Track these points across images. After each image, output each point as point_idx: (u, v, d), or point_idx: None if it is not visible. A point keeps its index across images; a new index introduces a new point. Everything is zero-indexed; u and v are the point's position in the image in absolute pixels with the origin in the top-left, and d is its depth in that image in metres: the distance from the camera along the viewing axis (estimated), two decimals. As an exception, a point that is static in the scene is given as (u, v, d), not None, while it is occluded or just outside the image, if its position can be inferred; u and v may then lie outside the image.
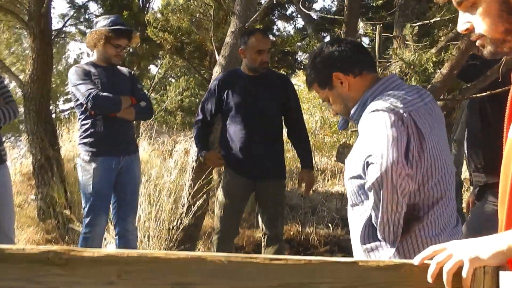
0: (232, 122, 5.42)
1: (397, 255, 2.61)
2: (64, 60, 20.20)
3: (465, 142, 4.80)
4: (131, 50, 12.36)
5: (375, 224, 2.59)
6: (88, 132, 5.29)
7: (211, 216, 8.71)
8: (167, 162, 8.64)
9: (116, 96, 5.19)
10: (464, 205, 6.01)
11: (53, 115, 14.41)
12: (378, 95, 2.77)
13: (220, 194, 5.59)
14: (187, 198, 6.66)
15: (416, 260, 1.83)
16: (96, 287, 1.66)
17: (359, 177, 2.66)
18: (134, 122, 12.51)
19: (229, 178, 5.53)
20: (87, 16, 11.27)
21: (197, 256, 1.69)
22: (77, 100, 5.31)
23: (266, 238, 5.56)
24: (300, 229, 8.14)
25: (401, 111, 2.61)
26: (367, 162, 2.51)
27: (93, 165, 5.24)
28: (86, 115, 5.33)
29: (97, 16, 10.53)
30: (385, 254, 2.62)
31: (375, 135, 2.54)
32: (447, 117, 11.78)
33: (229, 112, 5.43)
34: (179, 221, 6.79)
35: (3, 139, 5.40)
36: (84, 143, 5.30)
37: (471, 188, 5.04)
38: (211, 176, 6.84)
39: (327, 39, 7.57)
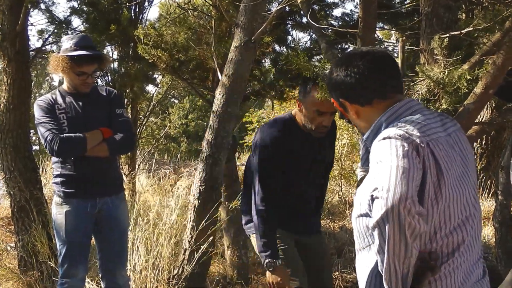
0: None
1: None
2: (47, 83, 20.29)
3: (511, 172, 4.70)
4: (119, 71, 12.42)
5: (381, 272, 2.54)
6: (58, 172, 5.29)
7: (219, 261, 8.70)
8: (167, 200, 8.60)
9: (78, 136, 5.10)
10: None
11: (35, 148, 14.46)
12: (394, 121, 2.78)
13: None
14: (189, 242, 6.61)
15: None
16: None
17: (366, 215, 2.67)
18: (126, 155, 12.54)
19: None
20: (69, 32, 11.26)
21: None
22: None
23: None
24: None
25: (418, 140, 2.61)
26: (372, 196, 2.49)
27: (66, 208, 5.25)
28: None
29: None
30: None
31: (383, 166, 2.52)
32: (496, 138, 11.79)
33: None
34: (181, 269, 6.74)
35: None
36: (56, 183, 5.30)
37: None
38: (216, 215, 6.78)
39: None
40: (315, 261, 5.40)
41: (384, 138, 2.62)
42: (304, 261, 5.30)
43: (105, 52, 11.34)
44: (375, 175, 2.54)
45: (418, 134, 2.63)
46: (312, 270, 5.33)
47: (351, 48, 7.97)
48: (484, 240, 9.66)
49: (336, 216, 11.13)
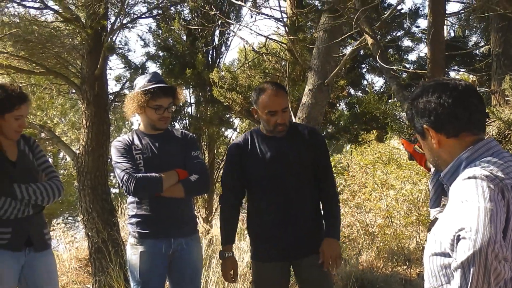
0: (253, 194, 5.24)
1: None
2: (127, 126, 20.69)
3: None
4: (194, 114, 12.58)
5: None
6: (134, 212, 5.30)
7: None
8: (239, 242, 8.65)
9: (154, 175, 5.12)
10: None
11: (115, 191, 14.71)
12: (475, 160, 2.71)
13: None
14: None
15: None
16: None
17: (443, 254, 2.59)
18: (200, 197, 12.60)
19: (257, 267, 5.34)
20: (145, 78, 11.58)
21: None
22: None
23: None
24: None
25: (503, 182, 2.54)
26: (458, 236, 2.41)
27: (140, 248, 5.24)
28: None
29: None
30: None
31: (470, 207, 2.45)
32: None
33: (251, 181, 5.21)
34: (256, 313, 6.75)
35: (57, 220, 5.47)
36: (131, 224, 5.31)
37: None
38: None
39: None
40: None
41: (469, 177, 2.56)
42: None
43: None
44: (461, 214, 2.47)
45: (503, 176, 2.57)
46: None
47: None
48: None
49: (413, 262, 11.00)
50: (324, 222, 5.24)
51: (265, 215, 5.12)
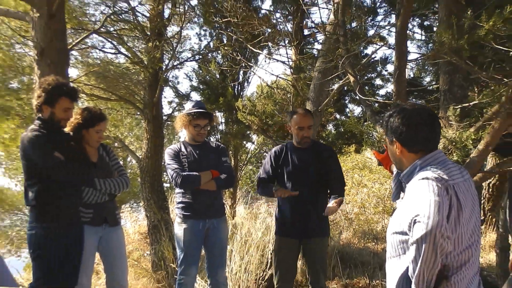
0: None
1: None
2: (176, 139, 20.88)
3: (507, 210, 4.70)
4: (224, 131, 12.66)
5: (411, 277, 2.56)
6: (180, 200, 5.36)
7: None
8: (255, 223, 8.65)
9: (194, 175, 5.18)
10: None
11: (167, 185, 14.72)
12: (426, 166, 2.78)
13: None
14: (271, 253, 6.64)
15: None
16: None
17: (401, 233, 2.67)
18: (227, 190, 12.60)
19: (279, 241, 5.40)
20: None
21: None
22: None
23: None
24: (368, 282, 7.96)
25: (447, 183, 2.63)
26: (415, 220, 2.50)
27: (184, 225, 5.29)
28: None
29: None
30: None
31: (423, 199, 2.54)
32: (501, 187, 11.40)
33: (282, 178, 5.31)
34: (265, 272, 6.84)
35: (126, 205, 5.49)
36: (178, 208, 5.38)
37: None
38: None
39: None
40: (309, 262, 5.32)
41: (423, 178, 2.65)
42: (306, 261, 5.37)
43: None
44: (417, 204, 2.56)
45: (447, 178, 2.66)
46: (311, 270, 5.30)
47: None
48: (490, 263, 9.36)
49: (380, 240, 10.96)
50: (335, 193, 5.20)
51: (289, 211, 5.24)
